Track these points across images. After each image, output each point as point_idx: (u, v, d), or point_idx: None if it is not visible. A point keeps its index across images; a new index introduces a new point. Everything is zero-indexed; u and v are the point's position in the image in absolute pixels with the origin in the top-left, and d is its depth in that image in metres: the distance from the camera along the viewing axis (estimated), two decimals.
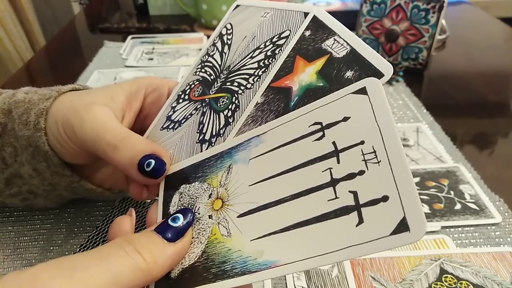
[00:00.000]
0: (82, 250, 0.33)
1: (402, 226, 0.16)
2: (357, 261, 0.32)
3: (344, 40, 0.24)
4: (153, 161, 0.26)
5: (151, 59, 0.68)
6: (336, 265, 0.32)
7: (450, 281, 0.31)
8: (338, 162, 0.20)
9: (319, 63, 0.24)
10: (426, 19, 0.59)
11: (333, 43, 0.25)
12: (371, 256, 0.33)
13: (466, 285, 0.30)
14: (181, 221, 0.23)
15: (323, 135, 0.21)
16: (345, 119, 0.20)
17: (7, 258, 0.33)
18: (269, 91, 0.26)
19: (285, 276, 0.32)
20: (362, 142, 0.19)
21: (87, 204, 0.38)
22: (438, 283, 0.31)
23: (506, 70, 0.66)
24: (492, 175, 0.41)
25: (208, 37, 0.76)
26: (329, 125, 0.21)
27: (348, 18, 0.74)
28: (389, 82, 0.60)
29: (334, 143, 0.20)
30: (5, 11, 1.00)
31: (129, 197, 0.39)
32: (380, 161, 0.18)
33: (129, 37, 0.77)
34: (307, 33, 0.26)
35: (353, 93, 0.21)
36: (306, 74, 0.24)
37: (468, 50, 0.72)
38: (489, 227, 0.36)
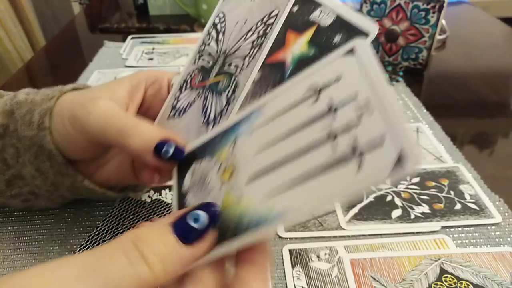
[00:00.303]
0: (82, 250, 0.33)
1: (400, 160, 0.18)
2: (357, 261, 0.32)
3: (330, 9, 0.26)
4: (172, 147, 0.26)
5: (151, 59, 0.68)
6: (336, 265, 0.32)
7: (450, 281, 0.31)
8: (335, 119, 0.21)
9: (309, 33, 0.26)
10: (426, 19, 0.59)
11: (320, 14, 0.26)
12: (371, 256, 0.33)
13: (466, 285, 0.30)
14: (202, 221, 0.20)
15: (318, 98, 0.22)
16: (337, 80, 0.22)
17: (7, 258, 0.33)
18: (264, 68, 0.27)
19: (285, 276, 0.32)
20: (355, 97, 0.21)
21: (87, 204, 0.38)
22: (438, 283, 0.31)
23: (506, 70, 0.66)
24: (492, 175, 0.41)
25: None
26: (323, 88, 0.23)
27: None
28: (389, 82, 0.60)
29: (329, 102, 0.22)
30: (5, 11, 1.00)
31: (129, 197, 0.39)
32: (373, 110, 0.20)
33: (129, 37, 0.77)
34: (295, 8, 0.28)
35: (342, 56, 0.22)
36: (298, 45, 0.26)
37: (468, 50, 0.72)
38: (489, 227, 0.36)
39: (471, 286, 0.30)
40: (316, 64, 0.24)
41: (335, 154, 0.20)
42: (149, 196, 0.39)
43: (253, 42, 0.29)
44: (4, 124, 0.31)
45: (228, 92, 0.29)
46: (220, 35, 0.32)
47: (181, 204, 0.26)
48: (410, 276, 0.31)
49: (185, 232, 0.19)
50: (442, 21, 0.72)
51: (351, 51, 0.22)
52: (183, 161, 0.28)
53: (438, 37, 0.66)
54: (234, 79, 0.29)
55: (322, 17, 0.26)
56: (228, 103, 0.28)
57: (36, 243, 0.35)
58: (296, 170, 0.21)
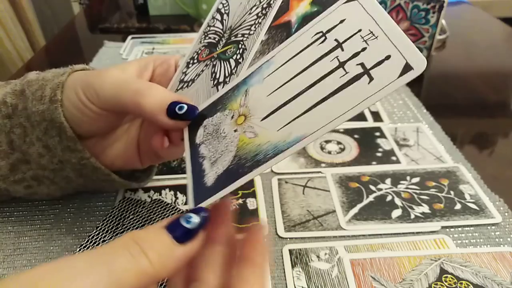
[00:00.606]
0: (82, 250, 0.33)
1: (406, 67, 0.20)
2: (357, 261, 0.32)
3: None
4: (185, 105, 0.28)
5: None
6: (336, 265, 0.32)
7: (450, 281, 0.31)
8: (343, 50, 0.23)
9: None
10: (426, 19, 0.59)
11: None
12: (371, 256, 0.33)
13: (466, 285, 0.30)
14: (193, 221, 0.22)
15: (325, 38, 0.24)
16: (342, 21, 0.24)
17: (7, 258, 0.33)
18: (271, 30, 0.28)
19: (285, 276, 0.32)
20: (359, 30, 0.23)
21: (87, 204, 0.38)
22: (438, 283, 0.31)
23: (506, 70, 0.66)
24: (492, 175, 0.41)
25: None
26: (329, 30, 0.24)
27: None
28: None
29: (336, 39, 0.23)
30: (5, 11, 1.00)
31: (129, 197, 0.39)
32: (377, 36, 0.22)
33: (129, 37, 0.77)
34: None
35: (344, 3, 0.24)
36: (301, 7, 0.27)
37: (468, 50, 0.72)
38: (489, 227, 0.36)
39: (471, 286, 0.30)
40: (321, 15, 0.25)
41: (347, 75, 0.22)
42: (149, 196, 0.39)
43: (258, 13, 0.30)
44: (13, 104, 0.32)
45: (237, 55, 0.29)
46: (225, 16, 0.33)
47: (194, 158, 0.27)
48: (410, 276, 0.31)
49: (178, 232, 0.21)
50: (442, 21, 0.72)
51: None
52: (193, 122, 0.29)
53: (438, 37, 0.66)
54: (242, 45, 0.30)
55: None
56: (237, 64, 0.29)
57: (36, 243, 0.35)
58: (311, 98, 0.23)
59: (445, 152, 0.45)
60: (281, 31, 0.27)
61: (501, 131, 0.51)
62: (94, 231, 0.35)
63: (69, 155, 0.32)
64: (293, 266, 0.32)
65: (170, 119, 0.28)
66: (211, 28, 0.34)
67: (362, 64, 0.22)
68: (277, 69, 0.25)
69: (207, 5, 0.77)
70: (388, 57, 0.21)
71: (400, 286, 0.30)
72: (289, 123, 0.23)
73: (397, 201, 0.38)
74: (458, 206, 0.37)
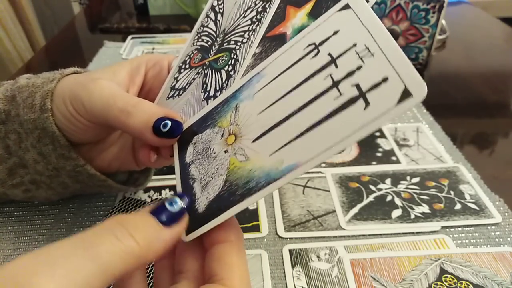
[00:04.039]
0: None
1: (405, 94, 0.18)
2: (357, 261, 0.32)
3: None
4: (169, 122, 0.27)
5: None
6: (336, 265, 0.32)
7: (450, 281, 0.31)
8: (337, 67, 0.21)
9: (309, 6, 0.26)
10: (426, 19, 0.59)
11: None
12: (371, 256, 0.33)
13: (466, 285, 0.30)
14: (178, 205, 0.22)
15: (318, 52, 0.22)
16: (335, 33, 0.22)
17: (7, 258, 0.33)
18: (265, 41, 0.27)
19: (285, 276, 0.32)
20: (354, 45, 0.21)
21: (87, 204, 0.38)
22: (438, 283, 0.31)
23: (506, 70, 0.66)
24: (492, 175, 0.41)
25: None
26: (322, 42, 0.23)
27: None
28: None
29: (329, 54, 0.22)
30: (5, 11, 1.00)
31: (129, 197, 0.39)
32: (374, 53, 0.20)
33: (129, 37, 0.77)
34: None
35: (338, 11, 0.23)
36: (298, 18, 0.26)
37: (468, 50, 0.72)
38: (489, 227, 0.36)
39: (471, 286, 0.30)
40: (313, 23, 0.24)
41: (341, 97, 0.20)
42: (149, 196, 0.39)
43: (252, 18, 0.29)
44: (6, 110, 0.32)
45: (228, 67, 0.28)
46: (219, 16, 0.32)
47: (184, 179, 0.26)
48: (410, 276, 0.31)
49: (164, 216, 0.21)
50: (442, 21, 0.72)
51: (346, 6, 0.22)
52: (183, 138, 0.28)
53: (438, 37, 0.66)
54: (234, 54, 0.28)
55: None
56: (228, 78, 0.28)
57: (36, 243, 0.35)
58: (303, 120, 0.21)
59: (445, 152, 0.45)
60: (275, 45, 0.26)
61: (501, 131, 0.51)
62: None
63: (64, 163, 0.31)
64: (293, 266, 0.32)
65: (156, 137, 0.27)
66: (205, 29, 0.33)
67: (357, 86, 0.20)
68: (268, 83, 0.24)
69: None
70: (385, 79, 0.19)
71: (400, 286, 0.30)
72: (281, 148, 0.21)
73: (397, 201, 0.38)
74: (458, 206, 0.37)
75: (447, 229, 0.35)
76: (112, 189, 0.36)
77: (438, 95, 0.58)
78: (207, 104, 0.28)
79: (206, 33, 0.32)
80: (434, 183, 0.40)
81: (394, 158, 0.44)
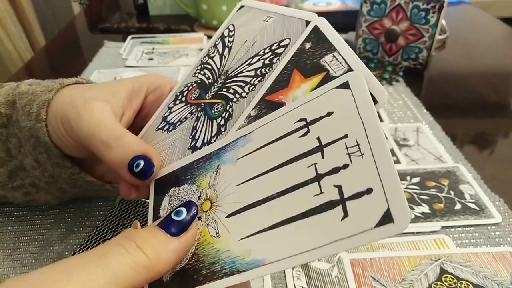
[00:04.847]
0: (82, 250, 0.33)
1: (387, 218, 0.16)
2: (357, 261, 0.32)
3: (343, 58, 0.24)
4: (142, 163, 0.26)
5: (151, 59, 0.68)
6: (336, 265, 0.32)
7: (450, 281, 0.31)
8: (323, 157, 0.20)
9: (315, 80, 0.24)
10: (426, 19, 0.59)
11: (332, 60, 0.24)
12: (371, 256, 0.33)
13: (466, 285, 0.30)
14: (184, 214, 0.22)
15: (308, 131, 0.21)
16: (329, 114, 0.21)
17: (7, 258, 0.33)
18: (262, 104, 0.25)
19: (285, 276, 0.32)
20: (345, 136, 0.20)
21: (87, 204, 0.38)
22: (438, 283, 0.31)
23: (506, 70, 0.66)
24: (492, 175, 0.41)
25: (208, 37, 0.77)
26: (314, 121, 0.21)
27: (348, 18, 0.74)
28: (389, 82, 0.60)
29: (318, 138, 0.21)
30: (5, 11, 1.00)
31: None
32: (363, 153, 0.18)
33: (129, 37, 0.77)
34: (308, 45, 0.26)
35: (336, 88, 0.21)
36: (301, 90, 0.24)
37: (468, 50, 0.72)
38: (489, 227, 0.36)
39: (471, 286, 0.30)
40: (309, 94, 0.23)
41: (321, 196, 0.19)
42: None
43: (256, 70, 0.27)
44: (7, 114, 0.32)
45: (221, 120, 0.27)
46: (226, 51, 0.31)
47: None
48: (410, 276, 0.31)
49: (170, 226, 0.22)
50: (442, 21, 0.72)
51: (345, 85, 0.21)
52: (162, 183, 0.27)
53: (438, 37, 0.66)
54: (230, 107, 0.27)
55: (334, 64, 0.24)
56: (218, 133, 0.27)
57: (36, 243, 0.35)
58: (278, 210, 0.20)
59: (445, 152, 0.45)
60: (271, 112, 0.25)
61: (501, 131, 0.51)
62: (94, 231, 0.35)
63: (59, 171, 0.32)
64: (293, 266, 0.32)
65: (131, 175, 0.26)
66: (209, 61, 0.31)
67: (339, 188, 0.18)
68: (252, 152, 0.23)
69: (207, 5, 0.77)
70: (369, 191, 0.17)
71: (400, 286, 0.30)
72: (252, 235, 0.21)
73: None
74: (458, 206, 0.37)
75: (447, 229, 0.35)
76: (110, 193, 0.36)
77: (438, 95, 0.58)
78: (192, 153, 0.27)
79: (210, 67, 0.31)
80: (434, 183, 0.40)
81: (394, 158, 0.44)
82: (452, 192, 0.39)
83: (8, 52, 1.00)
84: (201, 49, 0.71)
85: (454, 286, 0.30)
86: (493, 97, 0.58)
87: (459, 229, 0.35)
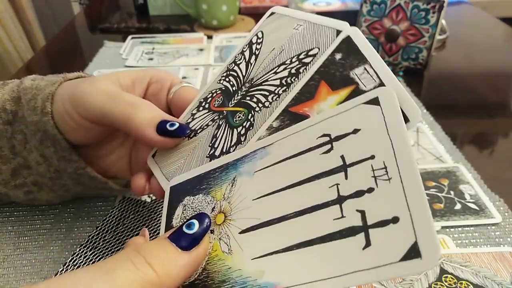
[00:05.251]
0: (82, 250, 0.33)
1: (413, 252, 0.15)
2: None
3: (375, 71, 0.22)
4: (177, 123, 0.28)
5: (151, 59, 0.68)
6: None
7: (450, 281, 0.31)
8: (346, 178, 0.18)
9: (343, 93, 0.22)
10: (426, 19, 0.59)
11: (363, 73, 0.22)
12: None
13: (466, 285, 0.30)
14: (196, 228, 0.21)
15: (331, 148, 0.20)
16: (355, 131, 0.19)
17: (7, 258, 0.33)
18: (285, 116, 0.24)
19: None
20: (372, 157, 0.18)
21: (87, 204, 0.38)
22: (438, 283, 0.31)
23: (506, 70, 0.66)
24: (492, 175, 0.41)
25: (208, 37, 0.77)
26: (338, 137, 0.20)
27: (348, 18, 0.74)
28: None
29: (342, 156, 0.19)
30: (5, 11, 1.00)
31: (129, 197, 0.39)
32: (391, 178, 0.17)
33: (129, 37, 0.77)
34: (338, 56, 0.24)
35: (364, 103, 0.20)
36: (327, 103, 0.23)
37: (468, 50, 0.72)
38: (489, 227, 0.36)
39: (471, 286, 0.30)
40: (335, 108, 0.21)
41: (342, 220, 0.18)
42: (149, 196, 0.39)
43: (282, 79, 0.26)
44: (13, 110, 0.32)
45: (242, 129, 0.26)
46: (253, 58, 0.30)
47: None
48: (410, 276, 0.31)
49: (181, 240, 0.21)
50: (442, 21, 0.72)
51: (375, 100, 0.19)
52: (176, 191, 0.26)
53: (438, 37, 0.66)
54: (251, 116, 0.26)
55: (364, 78, 0.22)
56: (237, 143, 0.26)
57: (36, 243, 0.35)
58: (295, 231, 0.19)
59: (445, 152, 0.45)
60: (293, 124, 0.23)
61: (501, 131, 0.51)
62: (94, 231, 0.35)
63: (65, 165, 0.32)
64: None
65: (158, 135, 0.27)
66: (235, 68, 0.30)
67: (362, 214, 0.17)
68: (270, 165, 0.22)
69: (207, 5, 0.77)
70: (395, 220, 0.16)
71: (400, 286, 0.30)
72: (266, 255, 0.19)
73: None
74: (458, 206, 0.37)
75: (447, 229, 0.35)
76: (112, 191, 0.36)
77: (438, 95, 0.58)
78: (210, 161, 0.26)
79: (235, 74, 0.30)
80: (434, 183, 0.40)
81: None
82: (452, 192, 0.39)
83: (8, 52, 1.00)
84: (201, 49, 0.71)
85: (454, 286, 0.30)
86: (493, 97, 0.58)
87: (459, 229, 0.35)
